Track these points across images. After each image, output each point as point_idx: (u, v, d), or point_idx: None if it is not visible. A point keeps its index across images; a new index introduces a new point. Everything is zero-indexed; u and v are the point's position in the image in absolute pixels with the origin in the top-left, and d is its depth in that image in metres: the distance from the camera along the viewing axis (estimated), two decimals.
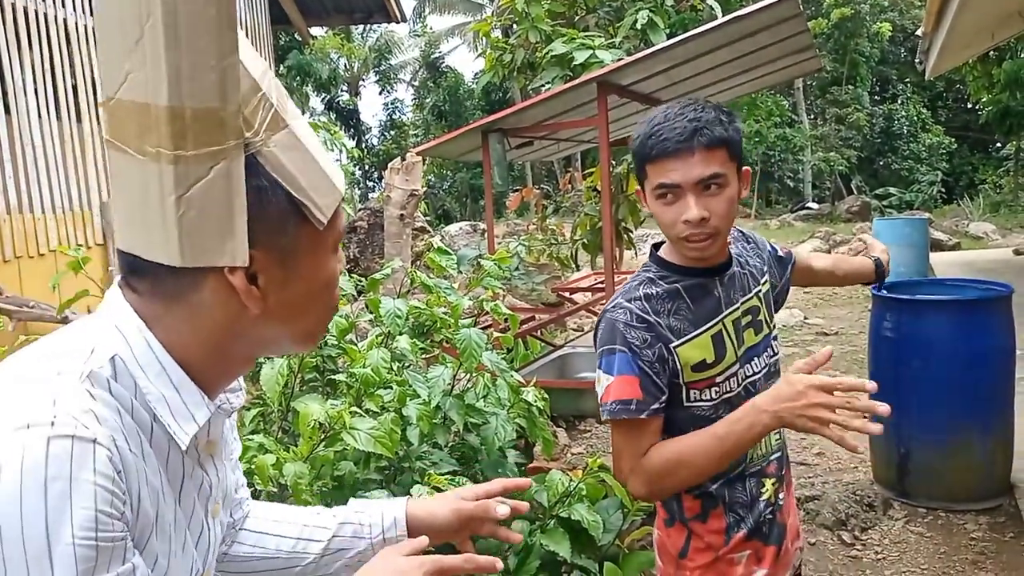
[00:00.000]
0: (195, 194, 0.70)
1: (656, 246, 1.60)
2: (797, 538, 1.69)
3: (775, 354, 1.61)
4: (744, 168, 1.48)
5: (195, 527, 0.84)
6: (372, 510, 1.11)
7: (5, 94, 5.53)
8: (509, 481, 1.13)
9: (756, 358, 1.57)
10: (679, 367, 1.48)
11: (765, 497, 1.58)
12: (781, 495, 1.62)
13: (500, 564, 0.97)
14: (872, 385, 1.28)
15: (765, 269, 1.66)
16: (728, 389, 1.52)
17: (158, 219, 0.71)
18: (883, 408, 1.24)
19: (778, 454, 1.62)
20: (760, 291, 1.61)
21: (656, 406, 1.47)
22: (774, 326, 1.64)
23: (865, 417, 1.28)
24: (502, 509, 1.09)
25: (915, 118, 26.68)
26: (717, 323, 1.51)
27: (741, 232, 1.71)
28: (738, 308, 1.55)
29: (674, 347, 1.47)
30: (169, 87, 0.67)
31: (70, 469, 0.66)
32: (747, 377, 1.54)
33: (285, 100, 0.77)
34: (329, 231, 0.80)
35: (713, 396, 1.51)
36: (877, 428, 1.25)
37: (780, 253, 1.78)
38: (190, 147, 0.69)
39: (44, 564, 0.64)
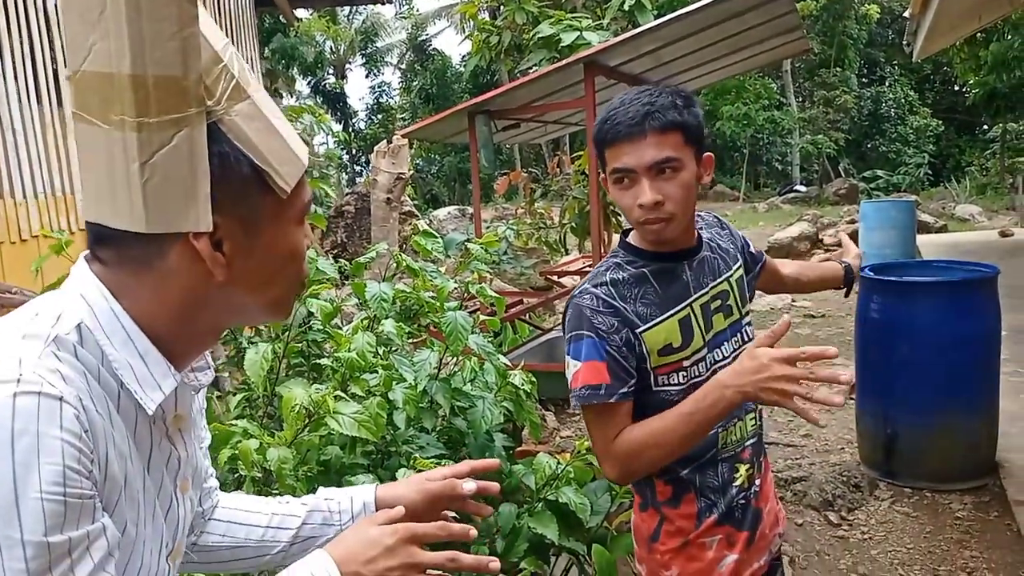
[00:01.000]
0: (159, 160, 0.72)
1: (626, 232, 1.59)
2: (776, 524, 1.69)
3: (746, 340, 1.60)
4: (706, 154, 1.48)
5: (164, 499, 0.85)
6: (341, 497, 1.11)
7: None
8: (477, 462, 1.13)
9: (725, 343, 1.56)
10: (646, 352, 1.48)
11: (738, 483, 1.58)
12: (756, 481, 1.62)
13: (474, 531, 0.97)
14: (833, 351, 1.26)
15: (737, 255, 1.66)
16: (696, 374, 1.51)
17: (123, 186, 0.72)
18: (845, 375, 1.25)
19: (753, 440, 1.62)
20: (731, 276, 1.60)
21: (625, 390, 1.47)
22: (746, 312, 1.62)
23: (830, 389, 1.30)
24: (468, 485, 1.09)
25: (902, 100, 26.76)
26: (685, 307, 1.51)
27: (716, 218, 1.71)
28: (707, 292, 1.54)
29: (640, 332, 1.47)
30: (132, 56, 0.70)
31: (37, 425, 0.67)
32: (716, 362, 1.53)
33: (247, 73, 0.79)
34: (292, 201, 0.82)
35: (681, 381, 1.50)
36: (839, 400, 1.25)
37: (752, 249, 1.77)
38: (153, 114, 0.71)
39: (12, 518, 0.65)
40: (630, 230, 1.59)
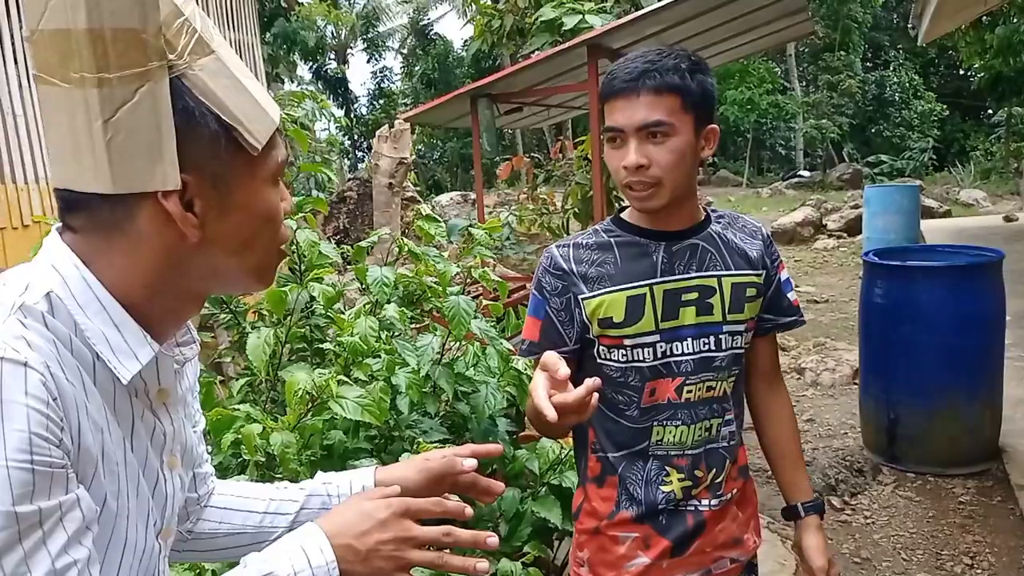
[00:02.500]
0: (122, 117, 0.70)
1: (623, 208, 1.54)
2: (733, 548, 1.56)
3: (724, 350, 1.46)
4: (710, 126, 1.39)
5: (150, 475, 0.83)
6: (340, 480, 1.09)
7: None
8: (479, 447, 1.11)
9: (689, 340, 1.44)
10: (587, 319, 1.44)
11: (667, 489, 1.48)
12: (705, 501, 1.50)
13: (470, 511, 0.95)
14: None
15: (758, 267, 1.50)
16: (639, 358, 1.44)
17: (87, 147, 0.71)
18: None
19: (697, 451, 1.48)
20: (729, 277, 1.47)
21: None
22: (737, 323, 1.47)
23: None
24: (468, 462, 1.07)
25: (907, 85, 26.63)
26: (642, 286, 1.42)
27: (759, 229, 1.56)
28: (681, 280, 1.44)
29: (582, 298, 1.43)
30: (88, 9, 0.68)
31: (0, 391, 0.65)
32: (669, 355, 1.44)
33: (211, 30, 0.77)
34: (264, 160, 0.80)
35: (620, 359, 1.45)
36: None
37: (788, 295, 1.58)
38: (113, 69, 0.69)
39: None
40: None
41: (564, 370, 1.11)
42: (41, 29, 0.70)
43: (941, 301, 3.84)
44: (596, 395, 1.12)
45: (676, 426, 1.47)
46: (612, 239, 1.47)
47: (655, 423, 1.47)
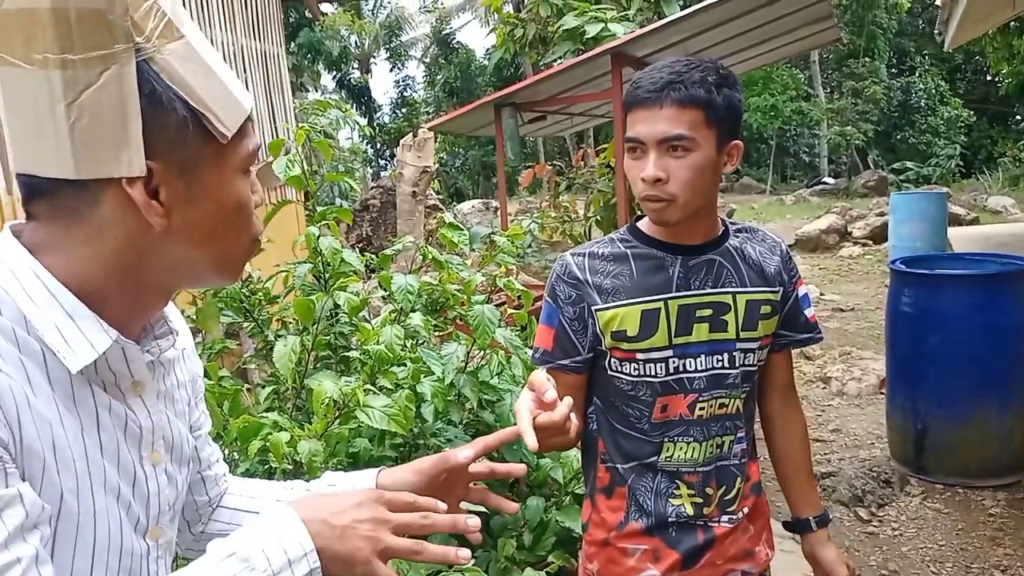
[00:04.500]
0: (86, 100, 0.68)
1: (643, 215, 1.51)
2: (745, 560, 1.54)
3: (736, 367, 1.44)
4: (734, 141, 1.36)
5: (125, 470, 0.80)
6: (344, 482, 1.07)
7: None
8: (488, 444, 1.07)
9: (701, 356, 1.42)
10: (599, 331, 1.42)
11: (677, 503, 1.47)
12: (716, 519, 1.49)
13: (443, 506, 0.89)
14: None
15: (774, 283, 1.48)
16: (651, 372, 1.42)
17: (50, 130, 0.69)
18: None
19: (707, 468, 1.47)
20: (743, 293, 1.44)
21: (566, 362, 1.44)
22: (750, 340, 1.45)
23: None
24: (463, 453, 1.04)
25: (933, 91, 26.31)
26: (657, 300, 1.40)
27: (778, 244, 1.54)
28: (696, 296, 1.41)
29: (596, 309, 1.41)
30: None
31: None
32: (681, 371, 1.42)
33: (182, 15, 0.75)
34: (234, 148, 0.78)
35: (632, 372, 1.43)
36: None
37: (806, 312, 1.56)
38: (77, 50, 0.68)
39: None
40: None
41: (552, 394, 1.09)
42: (5, 8, 0.68)
43: (970, 310, 3.79)
44: (575, 419, 1.11)
45: (687, 442, 1.45)
46: (628, 250, 1.44)
47: (666, 439, 1.45)
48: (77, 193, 0.72)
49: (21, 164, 0.73)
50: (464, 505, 1.10)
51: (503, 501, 1.09)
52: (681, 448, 1.45)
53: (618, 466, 1.49)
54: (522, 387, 2.27)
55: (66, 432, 0.73)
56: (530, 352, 2.35)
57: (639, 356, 1.41)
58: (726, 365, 1.44)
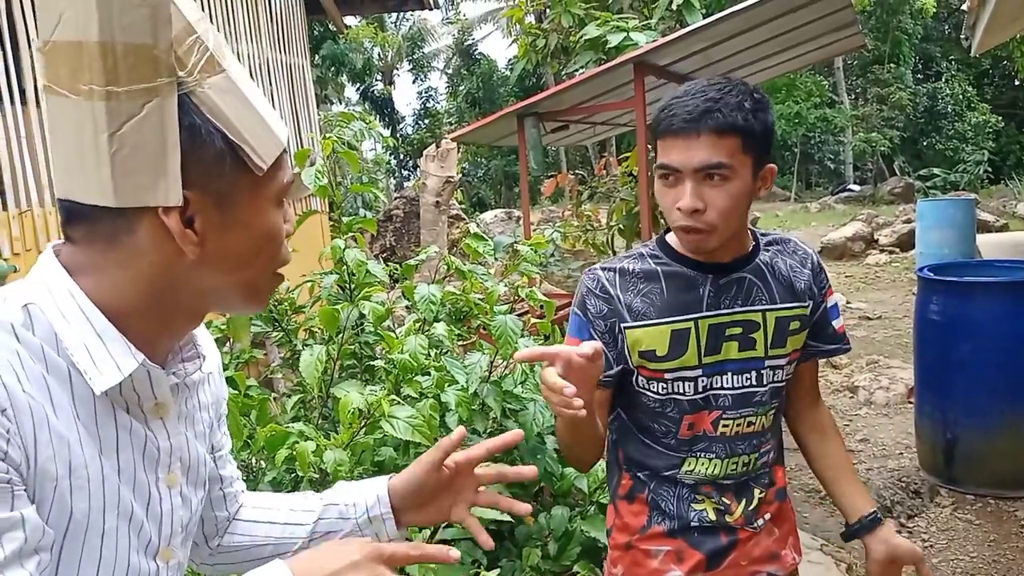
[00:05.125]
0: (128, 131, 0.71)
1: (669, 228, 1.49)
2: (770, 562, 1.52)
3: (764, 385, 1.43)
4: (768, 165, 1.33)
5: (140, 491, 0.80)
6: (357, 490, 1.09)
7: (22, 84, 5.49)
8: (496, 443, 1.07)
9: (730, 374, 1.41)
10: (627, 349, 1.41)
11: (699, 508, 1.46)
12: (740, 524, 1.48)
13: (456, 553, 0.90)
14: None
15: (804, 298, 1.46)
16: (679, 391, 1.41)
17: (92, 159, 0.71)
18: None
19: (727, 483, 1.46)
20: (773, 310, 1.42)
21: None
22: (779, 357, 1.43)
23: None
24: (457, 431, 1.05)
25: (960, 96, 26.01)
26: (687, 320, 1.39)
27: (809, 254, 1.51)
28: (726, 315, 1.40)
29: (625, 327, 1.40)
30: (100, 22, 0.69)
31: None
32: (710, 388, 1.41)
33: (223, 48, 0.77)
34: (270, 180, 0.80)
35: (660, 391, 1.42)
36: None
37: (834, 323, 1.53)
38: (122, 83, 0.70)
39: None
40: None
41: (584, 349, 1.14)
42: (54, 40, 0.71)
43: (999, 318, 3.74)
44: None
45: (709, 459, 1.45)
46: (659, 267, 1.43)
47: (689, 454, 1.45)
48: (115, 219, 0.74)
49: (63, 190, 0.75)
50: (476, 511, 1.09)
51: (515, 503, 1.09)
52: (703, 464, 1.45)
53: (639, 474, 1.50)
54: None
55: (84, 452, 0.74)
56: None
57: (667, 376, 1.41)
58: (755, 383, 1.43)
